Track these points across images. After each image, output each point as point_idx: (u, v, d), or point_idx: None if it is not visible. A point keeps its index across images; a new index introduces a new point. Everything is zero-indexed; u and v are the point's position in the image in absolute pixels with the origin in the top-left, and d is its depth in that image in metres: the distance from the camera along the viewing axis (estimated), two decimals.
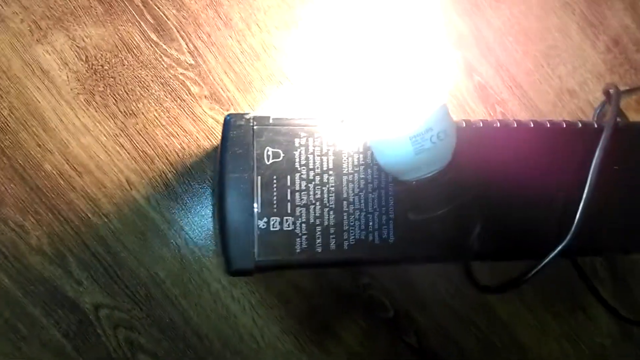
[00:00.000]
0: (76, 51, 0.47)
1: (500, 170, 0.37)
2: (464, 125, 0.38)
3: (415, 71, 0.33)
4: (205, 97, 0.49)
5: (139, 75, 0.48)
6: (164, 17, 0.49)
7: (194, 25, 0.49)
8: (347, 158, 0.36)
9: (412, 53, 0.33)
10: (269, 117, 0.35)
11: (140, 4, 0.48)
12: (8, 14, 0.46)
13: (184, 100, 0.49)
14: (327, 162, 0.35)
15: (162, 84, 0.48)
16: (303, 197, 0.35)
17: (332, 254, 0.35)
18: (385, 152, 0.32)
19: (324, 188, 0.35)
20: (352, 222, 0.35)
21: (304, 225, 0.35)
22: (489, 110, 0.55)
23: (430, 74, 0.33)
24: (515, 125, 0.40)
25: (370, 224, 0.36)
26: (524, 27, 0.56)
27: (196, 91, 0.49)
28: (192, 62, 0.49)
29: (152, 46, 0.48)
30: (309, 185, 0.35)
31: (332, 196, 0.35)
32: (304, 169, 0.35)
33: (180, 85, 0.48)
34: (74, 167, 0.47)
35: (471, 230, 0.36)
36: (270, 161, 0.34)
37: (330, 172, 0.35)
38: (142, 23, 0.48)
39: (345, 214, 0.35)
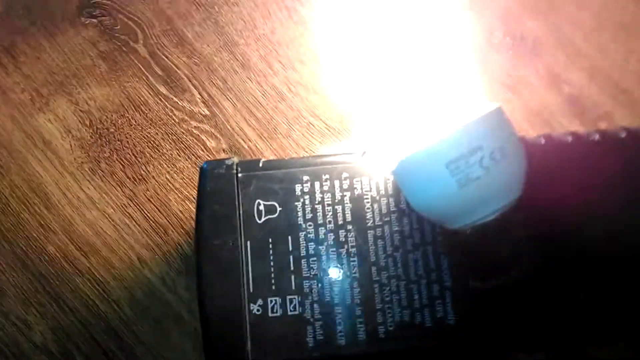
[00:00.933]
0: (80, 116, 0.42)
1: (608, 206, 0.25)
2: (543, 141, 0.26)
3: (453, 76, 0.22)
4: (224, 150, 0.41)
5: (148, 135, 0.41)
6: (173, 66, 0.43)
7: (207, 72, 0.42)
8: (372, 205, 0.25)
9: (448, 59, 0.22)
10: (258, 161, 0.26)
11: (147, 55, 0.43)
12: (9, 85, 0.42)
13: (199, 157, 0.41)
14: (344, 212, 0.25)
15: (174, 142, 0.41)
16: (313, 266, 0.25)
17: (361, 346, 0.24)
18: (416, 189, 0.22)
19: (341, 250, 0.25)
20: (387, 297, 0.24)
21: (316, 306, 0.24)
22: (588, 129, 0.41)
23: (470, 78, 0.22)
24: (625, 135, 0.27)
25: (416, 298, 0.25)
26: (620, 21, 0.43)
27: (213, 145, 0.41)
28: (207, 112, 0.42)
29: (161, 100, 0.42)
30: (320, 247, 0.25)
31: (354, 261, 0.25)
32: (310, 225, 0.25)
33: (195, 140, 0.41)
34: (80, 247, 0.40)
35: (570, 299, 0.23)
36: (263, 219, 0.25)
37: (350, 227, 0.25)
38: (149, 76, 0.42)
39: (376, 285, 0.25)
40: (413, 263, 0.25)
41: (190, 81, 0.42)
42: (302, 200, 0.25)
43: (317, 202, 0.25)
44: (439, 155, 0.20)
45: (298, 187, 0.25)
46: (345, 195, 0.25)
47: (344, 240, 0.25)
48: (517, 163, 0.21)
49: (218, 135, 0.41)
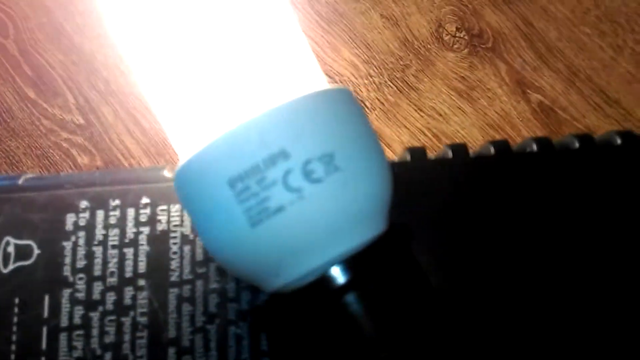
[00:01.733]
0: None
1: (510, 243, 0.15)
2: (408, 158, 0.17)
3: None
4: (98, 168, 0.33)
5: (8, 148, 0.33)
6: (46, 65, 0.35)
7: (87, 72, 0.34)
8: (182, 248, 0.16)
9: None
10: (18, 177, 0.17)
11: (17, 53, 0.35)
12: None
13: None
14: (136, 260, 0.16)
15: (38, 157, 0.33)
16: (76, 344, 0.16)
17: None
18: (198, 218, 0.13)
19: (124, 319, 0.16)
20: None
21: None
22: None
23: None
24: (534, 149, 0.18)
25: None
26: (606, 11, 0.35)
27: (85, 162, 0.33)
28: (82, 121, 0.33)
29: (28, 107, 0.34)
30: (92, 315, 0.16)
31: (142, 337, 0.16)
32: (82, 279, 0.16)
33: (63, 155, 0.33)
34: None
35: None
36: (11, 267, 0.16)
37: (142, 283, 0.16)
38: (17, 77, 0.34)
39: None
40: (234, 343, 0.16)
41: (65, 83, 0.34)
42: (73, 239, 0.16)
43: (96, 243, 0.16)
44: (218, 163, 0.11)
45: (70, 219, 0.16)
46: (142, 233, 0.16)
47: (130, 303, 0.16)
48: (365, 181, 0.12)
49: (92, 150, 0.33)
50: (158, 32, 0.13)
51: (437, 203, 0.17)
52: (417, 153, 0.17)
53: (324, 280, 0.12)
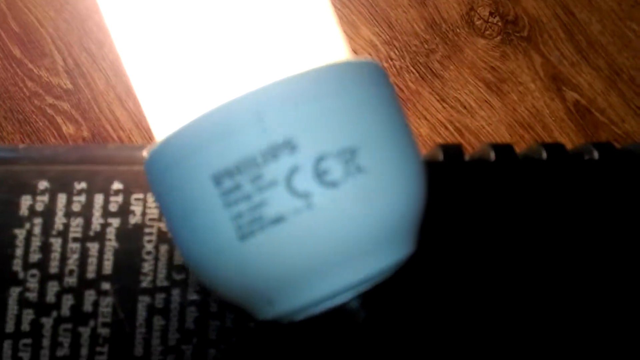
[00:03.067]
0: None
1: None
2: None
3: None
4: (84, 139, 0.30)
5: None
6: (35, 22, 0.31)
7: (80, 32, 0.31)
8: (158, 247, 0.13)
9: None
10: None
11: (4, 6, 0.32)
12: None
13: None
14: (101, 257, 0.13)
15: (19, 122, 0.30)
16: (23, 356, 0.13)
17: None
18: (173, 215, 0.10)
19: (82, 329, 0.13)
20: None
21: None
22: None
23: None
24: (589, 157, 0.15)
25: None
26: None
27: (70, 131, 0.30)
28: (70, 86, 0.30)
29: (12, 66, 0.31)
30: (44, 320, 0.13)
31: (103, 352, 0.13)
32: (34, 276, 0.13)
33: (47, 122, 0.30)
34: None
35: None
36: None
37: (106, 286, 0.13)
38: (1, 33, 0.31)
39: None
40: None
41: (54, 42, 0.31)
42: (27, 226, 0.13)
43: (54, 234, 0.13)
44: (200, 150, 0.08)
45: (25, 202, 0.14)
46: (111, 225, 0.14)
47: (91, 310, 0.13)
48: (396, 188, 0.09)
49: (79, 119, 0.30)
50: None
51: (476, 213, 0.14)
52: (453, 152, 0.14)
53: (334, 314, 0.09)
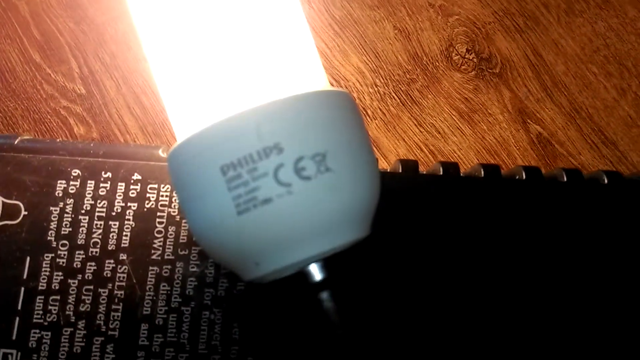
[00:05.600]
0: None
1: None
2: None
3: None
4: (94, 140, 0.33)
5: (6, 109, 0.33)
6: (56, 31, 0.35)
7: (95, 43, 0.34)
8: (167, 228, 0.17)
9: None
10: (14, 137, 0.17)
11: (27, 15, 0.35)
12: None
13: None
14: (120, 233, 0.16)
15: (35, 122, 0.33)
16: (52, 309, 0.16)
17: None
18: (186, 199, 0.13)
19: (102, 290, 0.16)
20: None
21: None
22: None
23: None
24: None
25: None
26: (615, 53, 0.35)
27: (81, 132, 0.33)
28: (83, 91, 0.33)
29: (31, 69, 0.34)
30: (71, 282, 0.16)
31: (117, 309, 0.16)
32: (65, 245, 0.16)
33: (60, 123, 0.33)
34: None
35: None
36: None
37: (123, 257, 0.16)
38: (24, 39, 0.34)
39: (141, 355, 0.16)
40: (207, 328, 0.16)
41: (71, 51, 0.34)
42: (61, 205, 0.16)
43: (83, 212, 0.16)
44: (213, 148, 0.11)
45: (61, 185, 0.17)
46: (130, 208, 0.17)
47: (109, 275, 0.16)
48: (353, 185, 0.12)
49: (90, 121, 0.33)
50: (173, 12, 0.13)
51: (422, 216, 0.17)
52: (409, 166, 0.17)
53: (302, 275, 0.12)
